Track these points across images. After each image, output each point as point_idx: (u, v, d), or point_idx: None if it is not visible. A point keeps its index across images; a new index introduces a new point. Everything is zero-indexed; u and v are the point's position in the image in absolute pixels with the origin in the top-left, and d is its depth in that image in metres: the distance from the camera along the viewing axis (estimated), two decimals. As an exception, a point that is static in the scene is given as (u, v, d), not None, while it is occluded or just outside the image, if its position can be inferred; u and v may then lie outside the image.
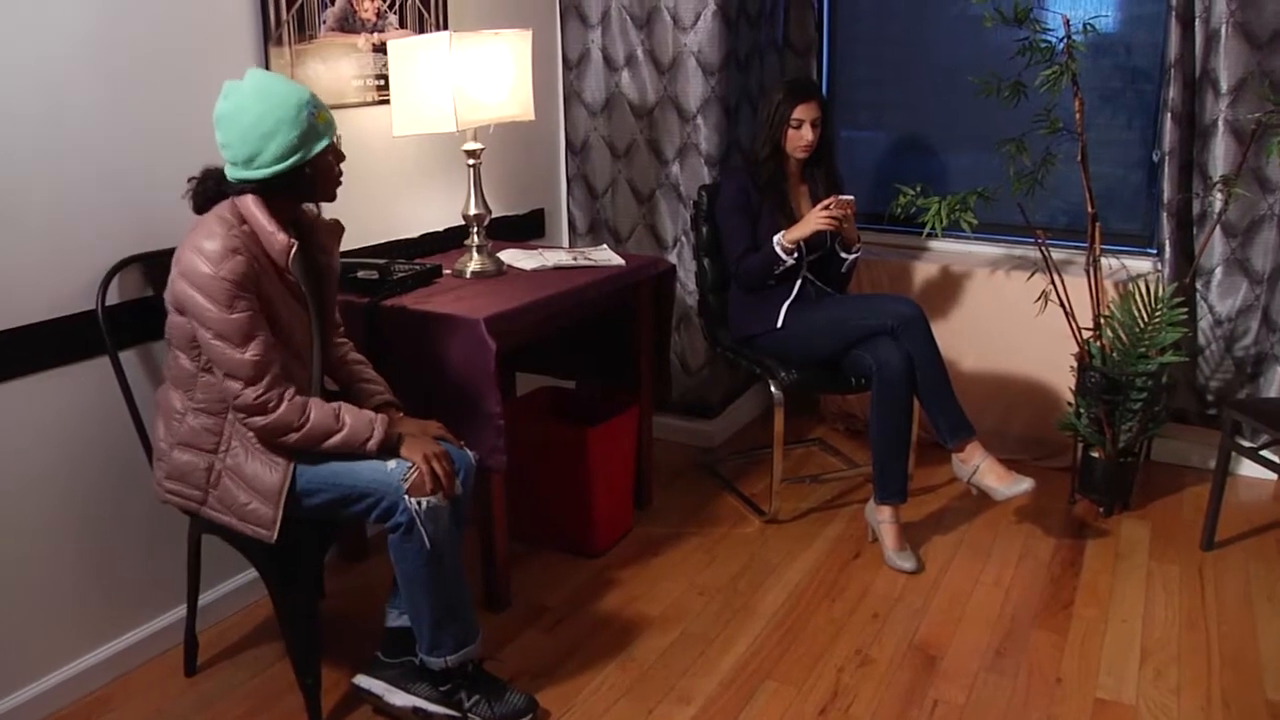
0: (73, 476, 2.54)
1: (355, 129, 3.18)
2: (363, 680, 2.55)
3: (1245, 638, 2.86)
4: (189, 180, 2.30)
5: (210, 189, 2.27)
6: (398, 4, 3.27)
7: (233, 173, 2.24)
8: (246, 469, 2.28)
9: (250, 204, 2.22)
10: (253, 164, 2.20)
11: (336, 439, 2.27)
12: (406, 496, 2.26)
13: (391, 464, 2.29)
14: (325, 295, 2.51)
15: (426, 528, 2.28)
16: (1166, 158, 3.58)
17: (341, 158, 2.35)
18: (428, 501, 2.27)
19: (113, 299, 2.53)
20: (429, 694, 2.48)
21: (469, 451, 2.51)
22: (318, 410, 2.25)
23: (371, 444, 2.29)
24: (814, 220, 3.29)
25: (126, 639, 2.72)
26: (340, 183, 2.38)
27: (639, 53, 3.94)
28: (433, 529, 2.29)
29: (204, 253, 2.13)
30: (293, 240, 2.25)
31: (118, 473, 2.63)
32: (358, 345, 2.68)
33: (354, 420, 2.28)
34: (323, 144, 2.26)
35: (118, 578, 2.68)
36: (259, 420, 2.21)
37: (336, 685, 2.64)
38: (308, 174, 2.26)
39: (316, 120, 2.23)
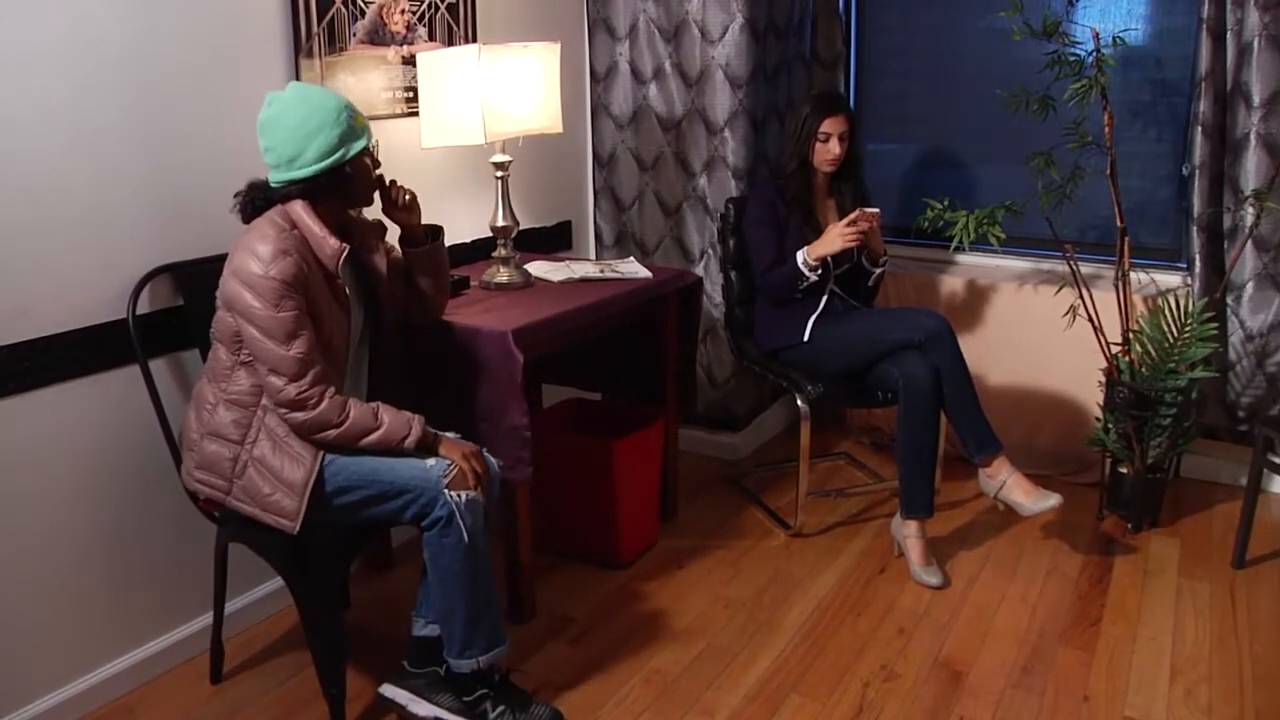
0: (101, 484, 2.56)
1: (384, 141, 3.18)
2: (388, 689, 2.56)
3: (1279, 657, 2.82)
4: (235, 196, 2.39)
5: (257, 199, 2.36)
6: (427, 17, 3.30)
7: (276, 176, 2.32)
8: (272, 461, 2.32)
9: (299, 209, 2.31)
10: (295, 164, 2.29)
11: (374, 437, 2.32)
12: (447, 491, 2.30)
13: (430, 461, 2.34)
14: (379, 298, 2.56)
15: (465, 520, 2.31)
16: (1197, 171, 3.55)
17: (377, 164, 2.45)
18: (467, 495, 2.32)
19: (143, 308, 2.56)
20: (451, 704, 2.49)
21: (491, 459, 2.53)
22: (357, 409, 2.32)
23: (409, 442, 2.34)
24: (838, 239, 3.27)
25: (153, 646, 2.74)
26: (376, 186, 2.47)
27: (667, 65, 3.95)
28: (471, 522, 2.33)
29: (256, 254, 2.22)
30: (344, 245, 2.33)
31: (146, 480, 2.65)
32: (375, 372, 2.69)
33: (392, 419, 2.34)
34: (360, 144, 2.34)
35: (145, 584, 2.70)
36: (299, 416, 2.26)
37: (361, 694, 2.65)
38: (347, 173, 2.35)
39: (354, 122, 2.33)
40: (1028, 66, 3.49)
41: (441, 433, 2.47)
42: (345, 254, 2.34)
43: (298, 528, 2.31)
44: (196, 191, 2.65)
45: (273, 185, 2.34)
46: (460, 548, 2.33)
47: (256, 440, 2.34)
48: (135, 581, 2.68)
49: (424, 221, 2.65)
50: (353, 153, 2.33)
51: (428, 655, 2.54)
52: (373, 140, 2.41)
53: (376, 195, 2.52)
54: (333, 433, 2.29)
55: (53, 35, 2.33)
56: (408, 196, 2.58)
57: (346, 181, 2.36)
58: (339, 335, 2.40)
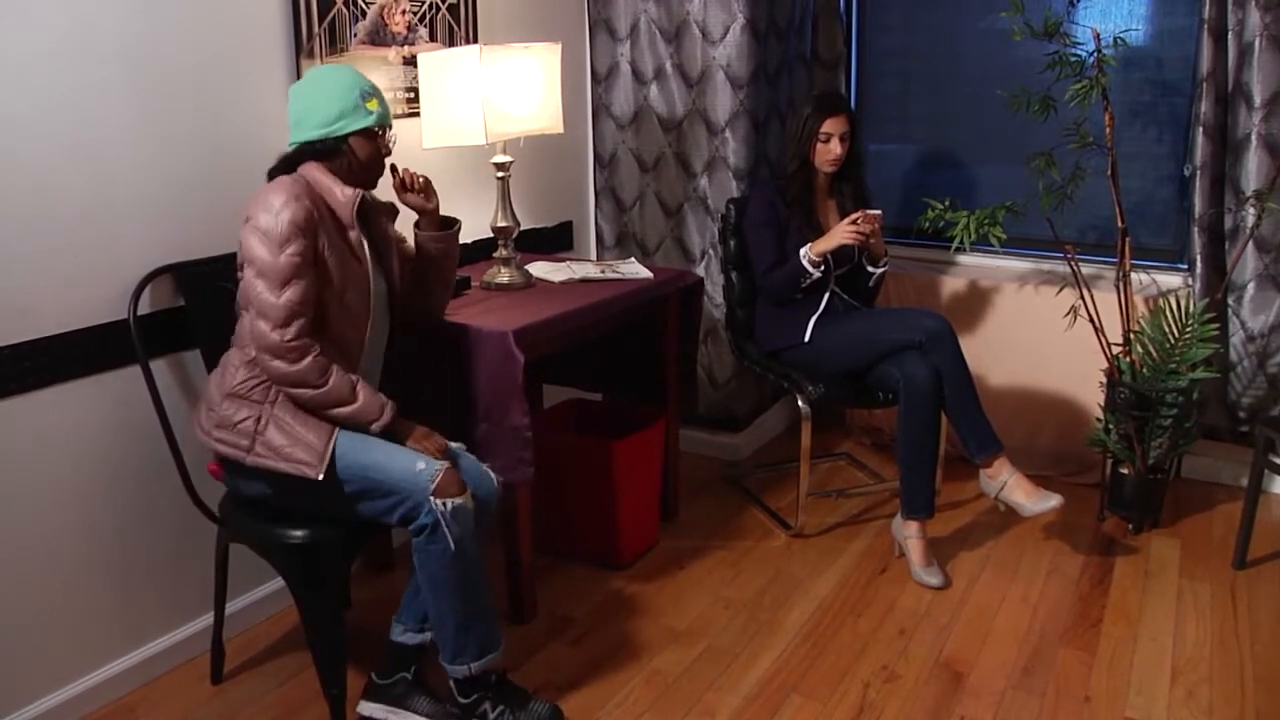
0: (102, 484, 2.57)
1: (385, 141, 3.21)
2: (365, 708, 2.56)
3: (1279, 658, 2.82)
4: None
5: (277, 166, 2.41)
6: (428, 17, 3.30)
7: (290, 137, 2.40)
8: (294, 419, 2.33)
9: (313, 169, 2.39)
10: (301, 126, 2.39)
11: (346, 410, 2.34)
12: (432, 498, 2.29)
13: (420, 464, 2.32)
14: (389, 266, 2.57)
15: (451, 528, 2.30)
16: (1198, 172, 3.55)
17: (386, 151, 2.47)
18: (453, 502, 2.30)
19: (144, 309, 2.56)
20: (429, 709, 2.51)
21: (490, 472, 2.53)
22: (338, 377, 2.32)
23: (378, 425, 2.36)
24: (841, 233, 3.28)
25: (154, 646, 2.74)
26: (381, 172, 2.49)
27: (668, 66, 3.95)
28: (457, 530, 2.31)
29: (268, 203, 2.26)
30: (357, 191, 2.37)
31: (148, 481, 2.65)
32: (386, 357, 2.70)
33: (366, 398, 2.35)
34: (362, 122, 2.39)
35: (146, 584, 2.70)
36: (279, 366, 2.26)
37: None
38: (345, 150, 2.39)
39: (365, 103, 2.39)
40: (1028, 67, 3.49)
41: (419, 425, 2.48)
42: (359, 200, 2.38)
43: (321, 473, 2.29)
44: (197, 192, 2.65)
45: (289, 145, 2.41)
46: (446, 556, 2.32)
47: (278, 400, 2.34)
48: (136, 582, 2.68)
49: (400, 221, 2.68)
50: (348, 129, 2.37)
51: (396, 662, 2.54)
52: (385, 127, 2.44)
53: (389, 175, 2.56)
54: (309, 393, 2.30)
55: (54, 36, 2.33)
56: (421, 179, 2.60)
57: (346, 158, 2.40)
58: (357, 290, 2.40)
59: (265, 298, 2.24)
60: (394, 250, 2.58)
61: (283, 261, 2.23)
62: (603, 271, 3.37)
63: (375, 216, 2.55)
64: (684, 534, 3.57)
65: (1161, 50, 3.84)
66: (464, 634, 2.41)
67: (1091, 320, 3.53)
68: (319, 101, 2.37)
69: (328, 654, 2.47)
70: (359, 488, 2.34)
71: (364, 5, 3.07)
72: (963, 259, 4.18)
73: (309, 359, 2.27)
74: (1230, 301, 3.59)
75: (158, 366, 2.62)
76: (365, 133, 2.40)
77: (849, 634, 2.96)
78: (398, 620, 2.56)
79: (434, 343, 2.83)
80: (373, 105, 2.40)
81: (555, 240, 4.05)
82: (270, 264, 2.23)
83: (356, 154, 2.41)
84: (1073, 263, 3.56)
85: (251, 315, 2.27)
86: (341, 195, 2.36)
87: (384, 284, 2.55)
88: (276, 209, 2.23)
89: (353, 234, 2.38)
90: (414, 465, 2.32)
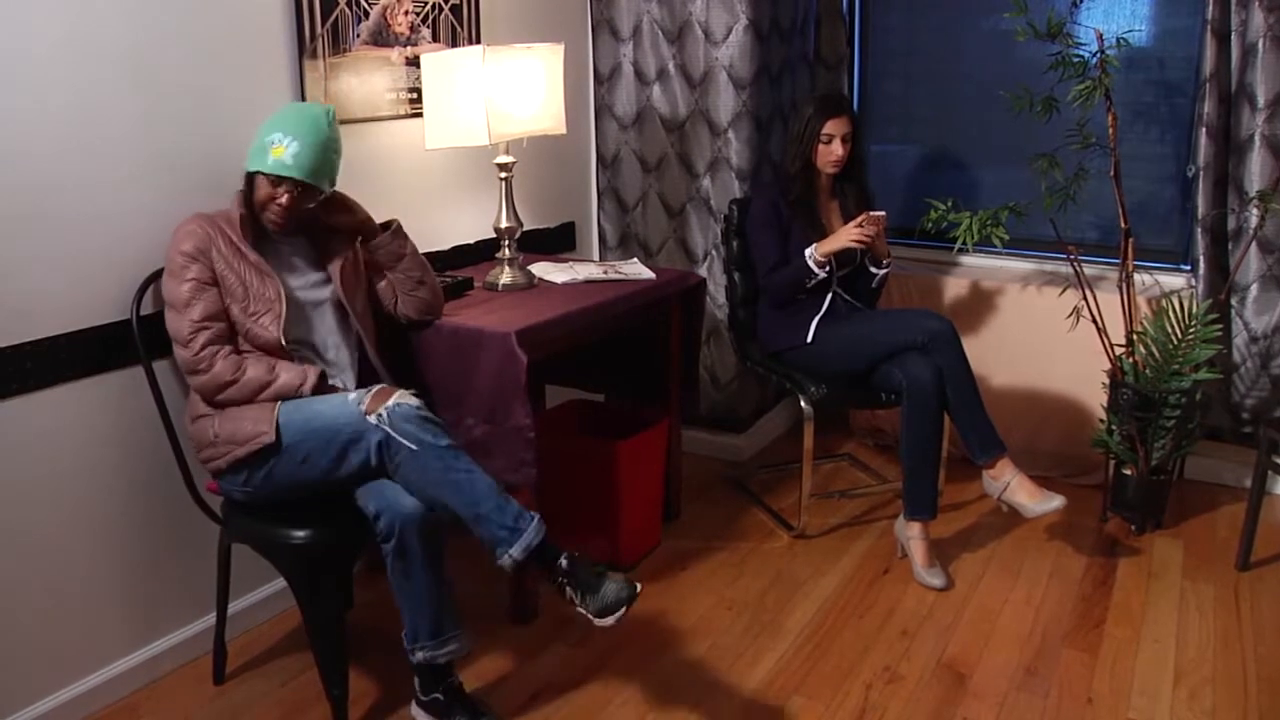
0: (105, 484, 2.57)
1: (388, 142, 3.21)
2: (416, 712, 2.55)
3: (1281, 659, 2.82)
4: None
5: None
6: (431, 18, 3.30)
7: None
8: (237, 412, 2.41)
9: (237, 195, 2.51)
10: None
11: (270, 390, 2.42)
12: (367, 416, 2.33)
13: (351, 396, 2.39)
14: (333, 277, 2.61)
15: (400, 429, 2.32)
16: (1201, 173, 3.55)
17: (274, 196, 2.46)
18: (386, 406, 2.34)
19: (147, 309, 2.56)
20: None
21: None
22: (254, 368, 2.42)
23: (306, 387, 2.43)
24: (846, 235, 3.29)
25: (156, 646, 2.74)
26: (270, 217, 2.48)
27: (670, 67, 3.95)
28: (408, 428, 2.33)
29: (171, 242, 2.43)
30: (241, 211, 2.48)
31: (150, 481, 2.65)
32: (389, 357, 2.71)
33: (288, 373, 2.44)
34: (255, 165, 2.46)
35: (148, 585, 2.70)
36: (198, 380, 2.42)
37: (364, 695, 2.66)
38: (252, 184, 2.49)
39: (270, 150, 2.42)
40: (1031, 68, 3.49)
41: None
42: (241, 217, 2.46)
43: (273, 434, 2.35)
44: (199, 192, 2.64)
45: None
46: (415, 459, 2.32)
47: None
48: (139, 582, 2.68)
49: (403, 222, 2.72)
50: (249, 168, 2.46)
51: (424, 681, 2.51)
52: (284, 180, 2.42)
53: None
54: (232, 391, 2.40)
55: (56, 37, 2.33)
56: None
57: (251, 194, 2.48)
58: (269, 295, 2.45)
59: (174, 324, 2.41)
60: (349, 265, 2.63)
61: (182, 289, 2.39)
62: (605, 272, 3.37)
63: (323, 235, 2.63)
64: (686, 535, 3.57)
65: (1164, 51, 3.84)
66: (488, 523, 2.35)
67: (1094, 321, 3.52)
68: (258, 132, 2.46)
69: (330, 655, 2.47)
70: (312, 445, 2.37)
71: (367, 6, 3.07)
72: (965, 260, 4.18)
73: (219, 363, 2.39)
74: (1233, 302, 3.59)
75: (160, 367, 2.61)
76: (264, 175, 2.44)
77: (851, 635, 2.96)
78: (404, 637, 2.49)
79: (436, 344, 2.83)
80: (277, 152, 2.41)
81: (558, 241, 4.05)
82: (175, 294, 2.40)
83: (255, 191, 2.47)
84: (1075, 263, 3.56)
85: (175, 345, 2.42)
86: (233, 216, 2.48)
87: (320, 294, 2.59)
88: (176, 242, 2.41)
89: (250, 254, 2.46)
90: (345, 398, 2.39)
